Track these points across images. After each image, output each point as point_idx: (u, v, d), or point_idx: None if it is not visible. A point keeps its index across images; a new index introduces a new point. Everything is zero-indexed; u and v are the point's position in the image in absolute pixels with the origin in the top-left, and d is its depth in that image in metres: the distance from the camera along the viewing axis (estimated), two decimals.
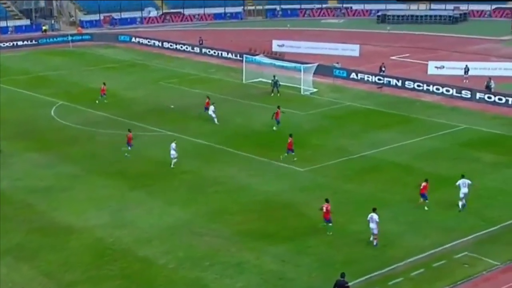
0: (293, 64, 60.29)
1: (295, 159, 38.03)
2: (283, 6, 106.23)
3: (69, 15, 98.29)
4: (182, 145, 41.39)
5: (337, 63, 63.64)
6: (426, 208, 31.60)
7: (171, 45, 77.76)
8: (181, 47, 76.82)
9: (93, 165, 37.94)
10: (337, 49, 72.44)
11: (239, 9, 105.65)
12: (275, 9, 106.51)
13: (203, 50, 74.63)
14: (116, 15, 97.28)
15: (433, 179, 32.86)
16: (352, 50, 72.39)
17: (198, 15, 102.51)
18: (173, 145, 37.74)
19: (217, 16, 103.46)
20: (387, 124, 46.41)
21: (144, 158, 39.20)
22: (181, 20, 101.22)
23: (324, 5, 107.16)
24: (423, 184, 31.73)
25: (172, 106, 51.05)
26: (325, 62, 63.08)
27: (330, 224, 29.38)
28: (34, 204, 32.32)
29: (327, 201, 29.56)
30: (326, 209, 29.27)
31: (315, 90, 56.13)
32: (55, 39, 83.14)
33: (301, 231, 29.56)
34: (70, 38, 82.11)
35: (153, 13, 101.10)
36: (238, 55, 67.19)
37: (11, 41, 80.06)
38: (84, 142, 42.25)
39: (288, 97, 54.06)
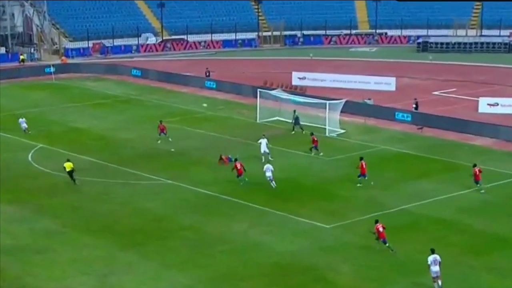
0: (316, 101, 60.63)
1: (372, 183, 42.06)
2: (305, 32, 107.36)
3: (51, 42, 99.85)
4: (183, 196, 41.64)
5: (369, 99, 64.04)
6: None
7: (172, 78, 78.70)
8: (184, 79, 77.72)
9: (75, 220, 38.13)
10: (369, 82, 73.05)
11: (252, 35, 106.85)
12: (295, 35, 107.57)
13: (210, 83, 75.44)
14: (108, 42, 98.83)
15: (485, 239, 32.69)
16: (386, 83, 72.93)
17: (205, 42, 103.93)
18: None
19: (226, 43, 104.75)
20: (428, 172, 46.37)
21: (137, 211, 39.36)
22: (184, 48, 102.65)
23: (353, 31, 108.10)
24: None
25: (172, 150, 51.45)
26: (355, 98, 63.47)
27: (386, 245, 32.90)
28: (4, 268, 32.31)
29: (377, 222, 33.81)
30: (382, 228, 33.37)
31: (342, 131, 56.39)
32: (34, 70, 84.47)
33: None
34: (52, 69, 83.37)
35: (152, 40, 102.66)
36: (251, 90, 67.77)
37: None
38: (65, 192, 42.51)
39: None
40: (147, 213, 39.09)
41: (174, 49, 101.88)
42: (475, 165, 42.29)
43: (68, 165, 43.64)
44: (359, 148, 52.42)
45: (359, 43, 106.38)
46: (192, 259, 33.31)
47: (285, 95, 62.62)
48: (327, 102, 57.39)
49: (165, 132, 53.51)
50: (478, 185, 41.81)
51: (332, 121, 56.53)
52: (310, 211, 38.91)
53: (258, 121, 59.93)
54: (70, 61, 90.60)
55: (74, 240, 35.50)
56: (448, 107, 63.52)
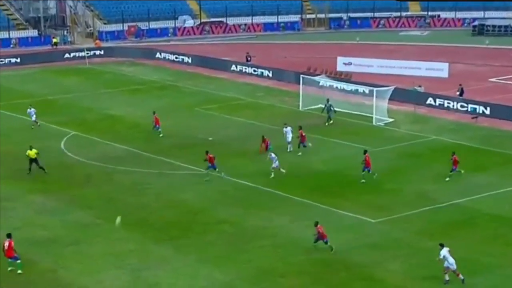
0: (363, 87, 60.32)
1: (375, 175, 42.13)
2: (351, 15, 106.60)
3: (85, 25, 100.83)
4: (221, 188, 41.76)
5: (419, 86, 63.47)
6: None
7: (210, 63, 78.90)
8: (223, 64, 77.84)
9: (109, 212, 38.45)
10: (419, 68, 72.47)
11: (295, 18, 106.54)
12: (341, 18, 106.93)
13: (250, 69, 75.43)
14: (143, 25, 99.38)
15: None
16: (439, 69, 72.20)
17: (245, 25, 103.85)
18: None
19: (268, 26, 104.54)
20: (483, 164, 45.90)
21: (172, 203, 39.58)
22: (224, 32, 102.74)
23: (403, 14, 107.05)
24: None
25: (211, 139, 51.60)
26: (404, 85, 62.96)
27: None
28: (37, 261, 32.83)
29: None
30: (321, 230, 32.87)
31: (390, 120, 56.01)
32: (68, 54, 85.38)
33: None
34: (86, 53, 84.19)
35: (189, 22, 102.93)
36: (294, 76, 67.63)
37: (14, 57, 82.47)
38: (99, 183, 42.94)
39: (356, 129, 54.06)
40: (183, 205, 39.29)
41: (213, 33, 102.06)
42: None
43: (32, 153, 43.52)
44: (408, 138, 52.05)
45: (409, 26, 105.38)
46: (230, 255, 33.41)
47: (330, 81, 62.38)
48: (374, 89, 57.08)
49: (158, 125, 52.82)
50: None
51: (379, 110, 56.18)
52: (354, 205, 38.76)
53: (300, 108, 59.80)
54: (104, 44, 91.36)
55: (107, 232, 35.85)
56: (506, 95, 62.62)
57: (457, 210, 38.63)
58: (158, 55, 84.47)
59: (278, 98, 64.47)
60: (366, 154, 42.42)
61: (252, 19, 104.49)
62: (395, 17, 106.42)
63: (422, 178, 43.36)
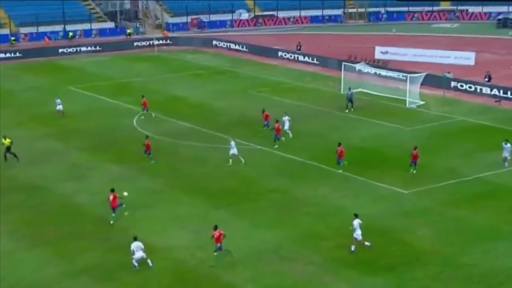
0: (397, 74, 59.63)
1: (345, 162, 39.33)
2: (389, 9, 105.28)
3: (155, 17, 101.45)
4: (271, 161, 41.75)
5: (448, 72, 62.44)
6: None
7: (263, 51, 78.72)
8: (274, 52, 77.58)
9: (175, 180, 38.83)
10: (449, 57, 71.24)
11: (338, 11, 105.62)
12: (379, 12, 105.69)
13: (298, 56, 75.08)
14: (204, 18, 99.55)
15: None
16: (466, 58, 70.87)
17: (293, 18, 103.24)
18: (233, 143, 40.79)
19: (314, 19, 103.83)
20: None
21: (229, 173, 39.74)
22: (275, 24, 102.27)
23: (435, 8, 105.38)
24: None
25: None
26: (435, 72, 62.02)
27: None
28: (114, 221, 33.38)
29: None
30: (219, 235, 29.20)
31: (422, 103, 55.26)
32: (139, 43, 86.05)
33: (403, 261, 29.07)
34: (155, 42, 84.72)
35: (245, 15, 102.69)
36: (337, 63, 67.13)
37: (95, 45, 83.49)
38: (166, 155, 43.32)
39: (391, 110, 53.49)
40: (238, 176, 39.40)
41: (265, 24, 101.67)
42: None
43: (7, 142, 42.14)
44: (437, 119, 51.34)
45: (440, 19, 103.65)
46: (279, 219, 33.46)
47: (368, 68, 61.82)
48: (408, 75, 56.47)
49: (147, 108, 52.23)
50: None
51: (412, 93, 55.51)
52: (389, 178, 38.43)
53: (342, 92, 59.31)
54: (170, 34, 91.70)
55: (172, 198, 36.19)
56: None
57: (481, 183, 38.02)
58: (217, 44, 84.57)
59: (322, 82, 64.05)
60: (340, 147, 39.44)
61: (300, 13, 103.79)
62: (428, 11, 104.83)
63: (450, 154, 42.76)
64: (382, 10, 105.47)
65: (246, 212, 34.40)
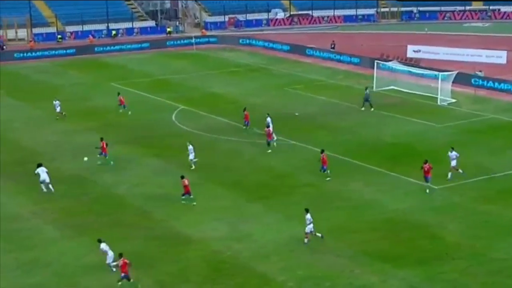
0: (429, 72, 58.96)
1: (328, 177, 37.32)
2: (421, 8, 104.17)
3: (194, 16, 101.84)
4: (305, 156, 41.63)
5: (480, 71, 61.52)
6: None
7: (298, 49, 78.48)
8: (309, 51, 77.32)
9: (211, 174, 38.92)
10: (480, 55, 70.13)
11: (372, 11, 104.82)
12: (411, 11, 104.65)
13: (331, 54, 74.71)
14: (241, 17, 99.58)
15: None
16: (498, 57, 69.69)
17: (328, 17, 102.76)
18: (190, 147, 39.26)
19: (347, 18, 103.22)
20: None
21: (263, 168, 39.71)
22: (309, 23, 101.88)
23: (467, 7, 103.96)
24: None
25: (297, 114, 51.43)
26: (466, 70, 61.18)
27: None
28: (152, 212, 33.63)
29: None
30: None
31: (453, 100, 54.55)
32: (178, 41, 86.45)
33: (432, 255, 28.77)
34: (194, 40, 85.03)
35: (280, 15, 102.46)
36: (369, 61, 66.64)
37: (136, 43, 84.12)
38: (203, 149, 43.34)
39: (423, 108, 52.94)
40: (271, 170, 39.34)
41: (300, 23, 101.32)
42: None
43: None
44: (468, 116, 50.65)
45: (472, 18, 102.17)
46: (312, 213, 33.24)
47: (400, 66, 61.26)
48: (440, 73, 55.85)
49: (124, 104, 52.07)
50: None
51: (443, 91, 54.83)
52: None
53: (374, 89, 58.85)
54: (208, 33, 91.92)
55: (208, 191, 36.28)
56: None
57: (510, 180, 37.43)
58: (253, 42, 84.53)
59: (355, 80, 63.63)
60: (323, 154, 37.77)
61: (334, 12, 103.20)
62: (460, 11, 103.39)
63: (480, 151, 42.15)
64: (415, 9, 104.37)
65: (279, 205, 34.35)
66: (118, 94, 53.24)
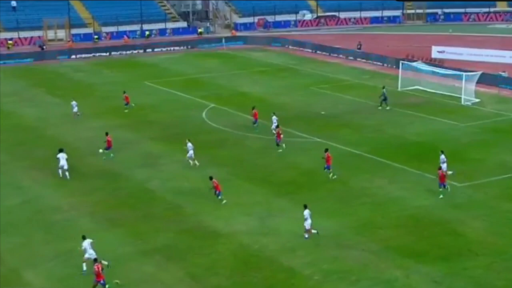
0: (453, 72, 58.40)
1: (334, 177, 36.77)
2: (446, 10, 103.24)
3: (224, 18, 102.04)
4: (330, 153, 41.45)
5: (504, 71, 60.80)
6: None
7: (325, 50, 78.25)
8: (335, 51, 77.03)
9: (239, 170, 39.00)
10: (504, 56, 69.32)
11: (397, 12, 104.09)
12: (436, 13, 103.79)
13: (358, 55, 74.36)
14: (270, 18, 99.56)
15: None
16: None
17: (354, 18, 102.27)
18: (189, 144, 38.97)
19: (373, 20, 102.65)
20: None
21: (290, 164, 39.68)
22: (336, 24, 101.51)
23: (492, 9, 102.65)
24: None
25: (323, 113, 51.31)
26: (490, 71, 60.47)
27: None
28: (183, 206, 33.82)
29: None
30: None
31: (477, 100, 53.95)
32: (209, 42, 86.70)
33: (455, 251, 28.54)
34: (224, 40, 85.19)
35: (308, 16, 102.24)
36: (395, 61, 66.19)
37: (169, 43, 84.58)
38: (232, 146, 43.58)
39: (447, 107, 52.48)
40: (298, 166, 39.31)
41: (327, 25, 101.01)
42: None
43: None
44: (492, 116, 50.08)
45: (496, 20, 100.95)
46: (337, 208, 33.28)
47: (425, 67, 60.76)
48: (464, 73, 55.29)
49: (128, 102, 52.29)
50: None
51: (467, 91, 54.27)
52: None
53: (399, 89, 58.52)
54: (238, 34, 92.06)
55: (237, 186, 36.36)
56: None
57: None
58: (281, 43, 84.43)
59: (380, 80, 63.20)
60: (327, 153, 37.31)
61: (360, 14, 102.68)
62: (484, 13, 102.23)
63: (503, 150, 41.65)
64: (440, 11, 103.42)
65: (305, 201, 34.09)
66: (124, 92, 53.67)
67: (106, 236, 30.45)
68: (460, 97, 53.85)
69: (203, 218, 32.39)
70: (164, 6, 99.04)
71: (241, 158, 41.06)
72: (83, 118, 50.41)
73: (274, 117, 44.85)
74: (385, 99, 52.08)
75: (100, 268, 25.36)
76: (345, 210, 33.05)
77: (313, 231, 29.77)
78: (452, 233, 30.31)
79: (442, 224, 31.26)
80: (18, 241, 29.90)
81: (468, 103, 53.50)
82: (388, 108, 51.78)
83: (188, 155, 39.21)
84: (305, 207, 30.02)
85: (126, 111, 52.10)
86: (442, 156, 36.54)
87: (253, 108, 47.32)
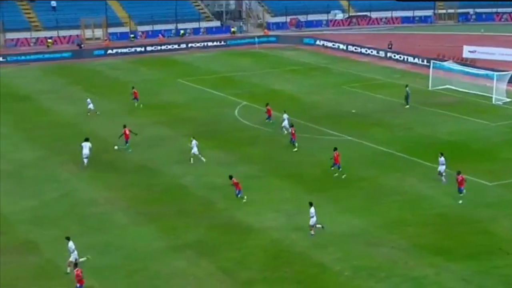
0: (485, 72, 57.50)
1: (343, 176, 36.39)
2: (477, 10, 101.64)
3: (257, 17, 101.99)
4: (361, 151, 41.21)
5: None
6: None
7: (356, 49, 77.73)
8: (366, 51, 76.45)
9: (270, 167, 38.91)
10: None
11: (429, 12, 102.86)
12: (468, 13, 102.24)
13: (389, 54, 73.71)
14: (302, 18, 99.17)
15: None
16: None
17: (385, 18, 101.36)
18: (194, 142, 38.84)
19: (405, 19, 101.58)
20: None
21: (320, 162, 39.42)
22: (367, 23, 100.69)
23: None
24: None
25: (354, 111, 50.95)
26: None
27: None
28: (215, 202, 33.85)
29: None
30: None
31: (508, 100, 53.03)
32: (242, 41, 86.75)
33: (485, 249, 28.09)
34: (256, 39, 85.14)
35: (339, 16, 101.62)
36: (426, 61, 65.43)
37: (203, 42, 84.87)
38: (263, 143, 43.49)
39: (478, 107, 51.71)
40: (329, 164, 38.98)
41: (359, 24, 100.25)
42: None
43: None
44: None
45: None
46: (366, 206, 33.01)
47: (456, 66, 59.96)
48: (495, 73, 54.43)
49: (137, 98, 52.61)
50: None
51: (499, 91, 53.41)
52: (474, 170, 37.08)
53: (430, 88, 57.83)
54: (271, 33, 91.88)
55: (267, 183, 36.29)
56: None
57: None
58: (313, 42, 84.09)
59: (411, 79, 62.50)
60: (335, 152, 36.80)
61: (391, 13, 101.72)
62: None
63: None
64: (471, 11, 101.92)
65: (336, 198, 34.10)
66: (133, 87, 54.03)
67: (140, 231, 30.64)
68: (492, 97, 53.01)
69: (234, 213, 32.39)
70: (198, 5, 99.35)
71: (271, 156, 40.96)
72: (120, 114, 50.74)
73: (285, 115, 44.77)
74: (406, 98, 51.46)
75: (81, 272, 24.57)
76: (375, 207, 32.75)
77: (317, 225, 29.65)
78: (482, 231, 29.85)
79: (472, 222, 30.80)
80: (55, 233, 30.24)
81: (499, 102, 52.64)
82: (407, 106, 51.12)
83: (192, 151, 39.17)
84: (311, 204, 29.84)
85: (135, 105, 52.67)
86: (442, 159, 35.67)
87: (266, 105, 47.46)
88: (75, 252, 26.46)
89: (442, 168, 35.42)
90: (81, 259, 26.17)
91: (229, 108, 52.68)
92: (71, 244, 26.63)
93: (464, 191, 33.02)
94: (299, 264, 27.32)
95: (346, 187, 35.51)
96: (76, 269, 24.81)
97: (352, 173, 37.31)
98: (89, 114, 50.63)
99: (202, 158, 39.17)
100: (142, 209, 33.05)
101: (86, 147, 38.70)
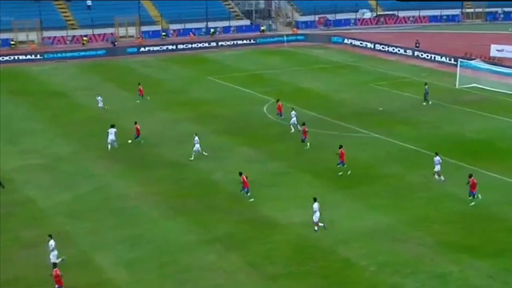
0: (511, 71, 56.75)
1: (349, 172, 36.10)
2: (506, 9, 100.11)
3: (286, 16, 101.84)
4: (388, 149, 40.95)
5: None
6: None
7: (383, 47, 77.16)
8: (394, 49, 75.85)
9: (297, 163, 38.85)
10: None
11: (456, 11, 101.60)
12: (496, 12, 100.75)
13: (416, 53, 73.05)
14: (330, 17, 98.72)
15: None
16: None
17: (413, 17, 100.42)
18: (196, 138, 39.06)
19: (432, 18, 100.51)
20: None
21: (348, 159, 39.08)
22: (395, 22, 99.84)
23: None
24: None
25: (381, 109, 50.61)
26: None
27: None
28: (243, 197, 33.87)
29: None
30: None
31: None
32: (271, 39, 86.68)
33: (510, 247, 27.79)
34: (285, 38, 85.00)
35: (367, 15, 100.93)
36: (453, 59, 64.70)
37: (232, 40, 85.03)
38: (291, 140, 43.43)
39: (505, 105, 51.06)
40: (355, 161, 38.76)
41: (386, 23, 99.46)
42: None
43: None
44: None
45: None
46: (392, 203, 32.80)
47: (483, 65, 59.17)
48: None
49: (142, 94, 53.28)
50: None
51: None
52: (501, 168, 36.69)
53: (457, 87, 57.18)
54: (299, 31, 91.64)
55: (295, 180, 36.25)
56: None
57: None
58: (341, 40, 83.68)
59: (439, 78, 61.91)
60: (341, 149, 36.64)
61: (419, 12, 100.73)
62: None
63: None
64: (499, 10, 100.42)
65: (361, 195, 33.93)
66: (139, 84, 54.46)
67: (170, 225, 30.87)
68: None
69: (262, 209, 32.44)
70: (229, 4, 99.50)
71: (299, 152, 40.90)
72: (151, 111, 51.11)
73: (293, 112, 44.66)
74: (425, 95, 51.04)
75: (59, 273, 24.05)
76: (401, 204, 32.54)
77: (320, 224, 29.46)
78: (508, 229, 29.49)
79: (498, 220, 30.44)
80: (89, 226, 30.64)
81: None
82: (424, 103, 50.76)
83: (194, 148, 39.25)
84: (315, 200, 29.72)
85: (137, 101, 53.33)
86: (437, 158, 35.22)
87: (277, 101, 47.53)
88: (55, 251, 26.11)
89: (437, 167, 34.83)
90: (58, 260, 25.67)
91: (258, 106, 52.70)
92: (51, 242, 26.27)
93: (479, 195, 32.10)
94: (324, 259, 27.28)
95: (372, 184, 35.33)
96: (54, 269, 24.23)
97: (379, 170, 37.10)
98: (106, 108, 50.31)
99: (204, 153, 39.45)
100: (173, 204, 33.29)
101: (112, 133, 40.38)
